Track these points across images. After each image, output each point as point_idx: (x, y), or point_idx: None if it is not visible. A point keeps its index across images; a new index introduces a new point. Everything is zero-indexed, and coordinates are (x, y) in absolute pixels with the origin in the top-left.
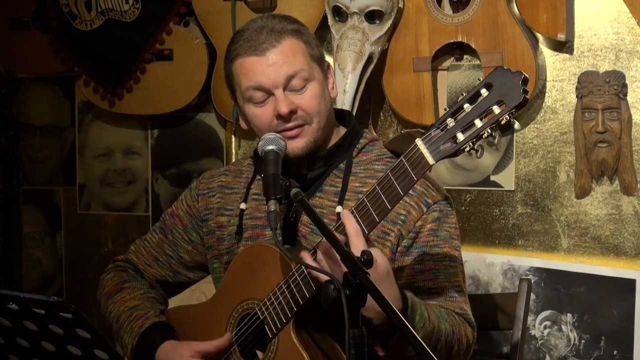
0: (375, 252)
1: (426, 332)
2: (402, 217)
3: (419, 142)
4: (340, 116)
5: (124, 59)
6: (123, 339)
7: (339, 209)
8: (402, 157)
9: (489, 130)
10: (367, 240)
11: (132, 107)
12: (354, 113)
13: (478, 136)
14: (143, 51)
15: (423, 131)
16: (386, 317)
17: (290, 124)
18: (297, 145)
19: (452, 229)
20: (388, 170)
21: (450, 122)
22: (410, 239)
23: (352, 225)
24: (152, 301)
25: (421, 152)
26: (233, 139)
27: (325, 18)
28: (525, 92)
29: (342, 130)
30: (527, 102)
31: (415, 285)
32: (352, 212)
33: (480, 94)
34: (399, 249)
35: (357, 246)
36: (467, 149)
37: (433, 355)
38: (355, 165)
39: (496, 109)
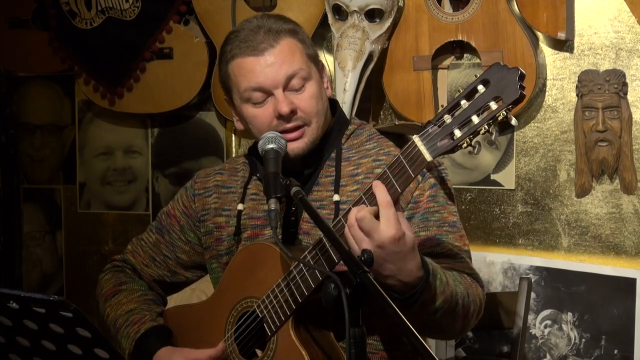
0: (405, 225)
1: (446, 297)
2: None
3: (416, 138)
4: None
5: (123, 57)
6: (120, 343)
7: (336, 197)
8: (399, 154)
9: (486, 127)
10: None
11: (132, 106)
12: (355, 111)
13: (475, 132)
14: (143, 50)
15: (417, 123)
16: (407, 286)
17: (290, 124)
18: (297, 146)
19: (448, 194)
20: (386, 168)
21: (447, 118)
22: (410, 209)
23: (383, 197)
24: (149, 303)
25: (418, 149)
26: (233, 138)
27: (325, 16)
28: (522, 87)
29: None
30: (524, 97)
31: (422, 252)
32: (351, 210)
33: (477, 90)
34: None
35: (389, 218)
36: (465, 145)
37: (433, 355)
38: (346, 150)
39: (493, 105)
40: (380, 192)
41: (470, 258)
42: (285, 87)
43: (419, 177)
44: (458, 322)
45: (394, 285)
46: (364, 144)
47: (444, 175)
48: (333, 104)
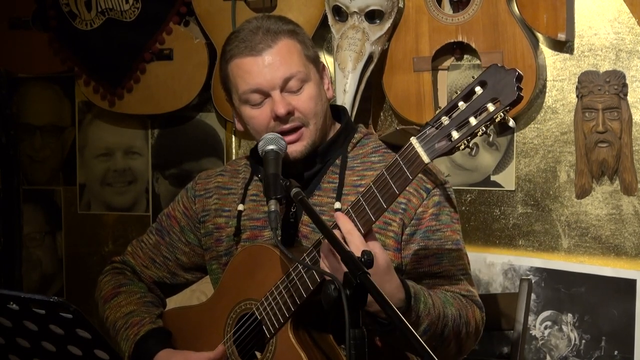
0: (375, 246)
1: (432, 320)
2: (402, 206)
3: (413, 140)
4: (336, 112)
5: (124, 58)
6: (120, 345)
7: (337, 204)
8: (397, 156)
9: (483, 128)
10: (368, 233)
11: (132, 107)
12: (355, 113)
13: (473, 134)
14: (143, 51)
15: (418, 127)
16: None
17: (287, 126)
18: (296, 149)
19: (452, 213)
20: (383, 169)
21: (445, 120)
22: (413, 226)
23: (345, 225)
24: (148, 306)
25: (416, 151)
26: (233, 139)
27: (325, 17)
28: (520, 89)
29: (338, 127)
30: (521, 99)
31: (420, 271)
32: (348, 212)
33: (474, 92)
34: (403, 237)
35: (355, 244)
36: (462, 147)
37: (433, 355)
38: (351, 159)
39: (490, 107)
40: (342, 221)
41: (470, 278)
42: (283, 88)
43: (424, 194)
44: (450, 346)
45: (376, 312)
46: (369, 156)
47: (449, 193)
48: (342, 110)
